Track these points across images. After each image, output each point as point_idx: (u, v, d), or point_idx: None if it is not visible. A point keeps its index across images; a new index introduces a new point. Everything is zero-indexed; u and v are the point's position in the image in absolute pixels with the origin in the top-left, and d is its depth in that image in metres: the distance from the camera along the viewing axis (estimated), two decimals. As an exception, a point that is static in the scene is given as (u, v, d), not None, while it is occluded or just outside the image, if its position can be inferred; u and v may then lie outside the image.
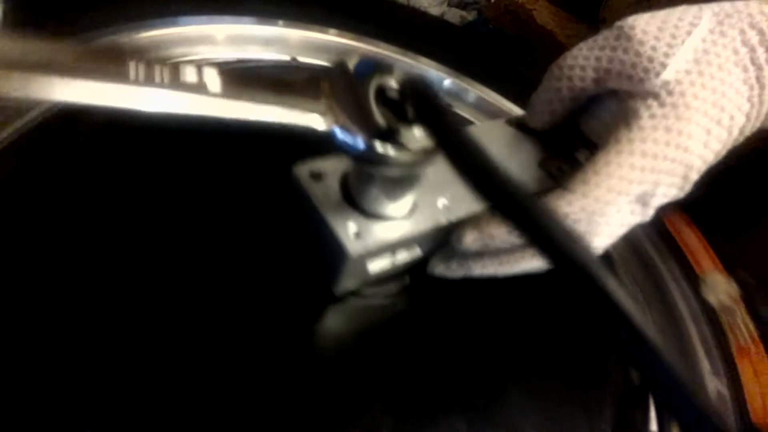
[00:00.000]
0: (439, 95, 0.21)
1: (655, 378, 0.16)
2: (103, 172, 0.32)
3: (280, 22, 0.47)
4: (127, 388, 0.24)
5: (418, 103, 0.22)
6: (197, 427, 0.23)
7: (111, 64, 0.18)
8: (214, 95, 0.20)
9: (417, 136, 0.22)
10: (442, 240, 0.30)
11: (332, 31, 0.49)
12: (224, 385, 0.25)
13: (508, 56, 0.60)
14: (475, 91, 0.51)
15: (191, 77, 0.20)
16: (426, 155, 0.23)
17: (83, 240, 0.28)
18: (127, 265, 0.28)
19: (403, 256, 0.29)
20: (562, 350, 0.32)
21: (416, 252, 0.30)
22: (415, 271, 0.31)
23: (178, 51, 0.42)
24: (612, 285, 0.16)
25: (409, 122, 0.22)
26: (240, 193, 0.33)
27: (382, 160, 0.23)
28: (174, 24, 0.42)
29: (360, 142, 0.22)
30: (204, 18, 0.43)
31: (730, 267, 0.39)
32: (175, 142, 0.33)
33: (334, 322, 0.29)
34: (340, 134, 0.22)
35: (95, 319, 0.25)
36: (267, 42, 0.46)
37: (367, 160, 0.23)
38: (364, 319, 0.30)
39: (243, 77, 0.21)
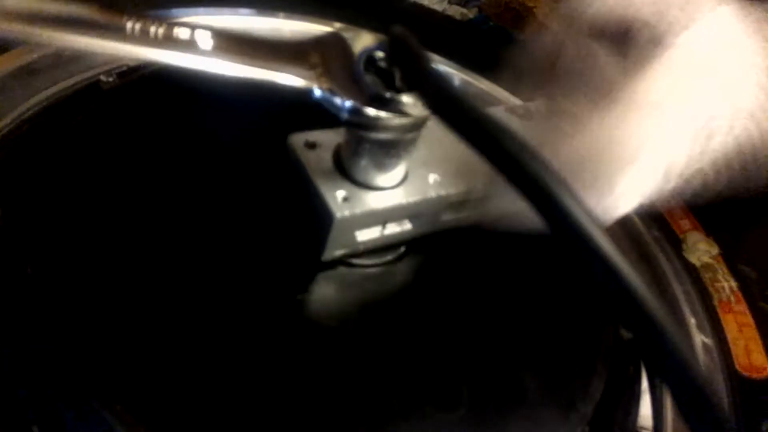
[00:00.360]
0: (425, 54, 0.22)
1: (653, 348, 0.16)
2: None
3: (281, 14, 0.48)
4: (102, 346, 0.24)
5: (404, 63, 0.23)
6: (174, 398, 0.23)
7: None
8: (204, 51, 0.22)
9: (405, 100, 0.23)
10: (434, 218, 0.30)
11: (337, 25, 0.49)
12: (205, 346, 0.25)
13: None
14: (480, 83, 0.52)
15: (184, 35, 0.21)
16: (413, 118, 0.24)
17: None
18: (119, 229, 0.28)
19: (392, 229, 0.30)
20: (557, 313, 0.32)
21: (407, 226, 0.30)
22: (408, 247, 0.31)
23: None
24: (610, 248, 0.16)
25: (397, 89, 0.23)
26: (237, 164, 0.33)
27: (369, 123, 0.24)
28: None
29: (347, 106, 0.23)
30: (201, 10, 0.45)
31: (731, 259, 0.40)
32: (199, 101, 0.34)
33: (321, 289, 0.29)
34: (320, 94, 0.23)
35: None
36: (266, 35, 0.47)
37: (354, 124, 0.24)
38: (355, 287, 0.30)
39: (235, 37, 0.22)
